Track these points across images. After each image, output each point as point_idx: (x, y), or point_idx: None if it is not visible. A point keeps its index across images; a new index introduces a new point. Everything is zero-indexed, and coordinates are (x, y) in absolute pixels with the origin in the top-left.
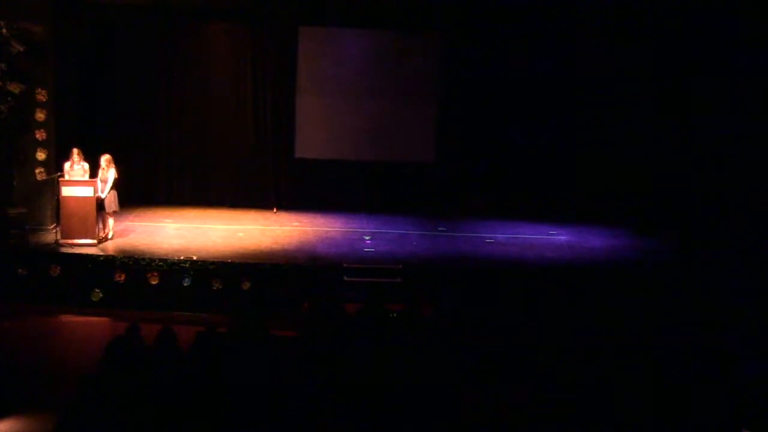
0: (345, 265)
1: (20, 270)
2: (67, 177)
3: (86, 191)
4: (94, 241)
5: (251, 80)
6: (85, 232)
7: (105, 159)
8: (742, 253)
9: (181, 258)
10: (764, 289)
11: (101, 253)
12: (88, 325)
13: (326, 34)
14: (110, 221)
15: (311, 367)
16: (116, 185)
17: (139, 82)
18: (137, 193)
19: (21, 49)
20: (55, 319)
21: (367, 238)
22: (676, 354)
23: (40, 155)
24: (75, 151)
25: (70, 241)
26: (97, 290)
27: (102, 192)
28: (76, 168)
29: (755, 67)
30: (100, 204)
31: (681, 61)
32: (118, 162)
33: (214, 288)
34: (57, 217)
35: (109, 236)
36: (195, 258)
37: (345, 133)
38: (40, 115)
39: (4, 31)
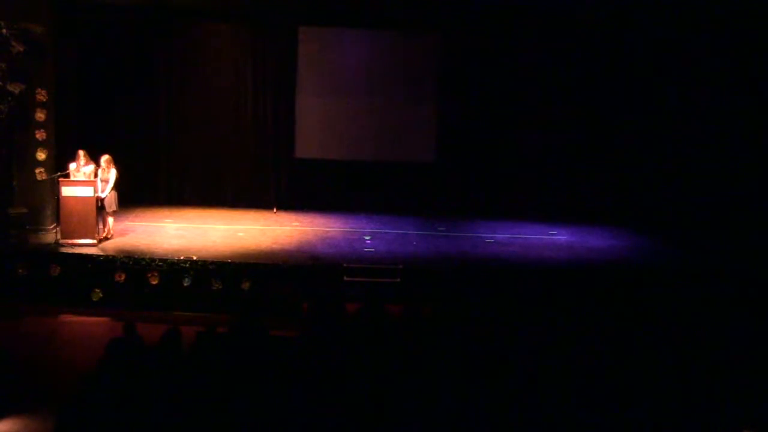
0: (345, 265)
1: (20, 270)
2: (72, 178)
3: (86, 191)
4: (94, 241)
5: (251, 80)
6: (85, 232)
7: (105, 159)
8: (742, 252)
9: (181, 258)
10: (763, 288)
11: (101, 253)
12: (87, 325)
13: (326, 34)
14: (110, 221)
15: (311, 367)
16: (116, 185)
17: (139, 82)
18: (137, 193)
19: (21, 49)
20: (55, 319)
21: (367, 238)
22: (676, 354)
23: (40, 155)
24: (81, 153)
25: (70, 241)
26: (97, 290)
27: (102, 192)
28: (82, 170)
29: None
30: (100, 204)
31: (679, 61)
32: (118, 162)
33: (214, 288)
34: (57, 217)
35: (109, 236)
36: (195, 258)
37: (345, 133)
38: (40, 115)
39: (4, 31)
